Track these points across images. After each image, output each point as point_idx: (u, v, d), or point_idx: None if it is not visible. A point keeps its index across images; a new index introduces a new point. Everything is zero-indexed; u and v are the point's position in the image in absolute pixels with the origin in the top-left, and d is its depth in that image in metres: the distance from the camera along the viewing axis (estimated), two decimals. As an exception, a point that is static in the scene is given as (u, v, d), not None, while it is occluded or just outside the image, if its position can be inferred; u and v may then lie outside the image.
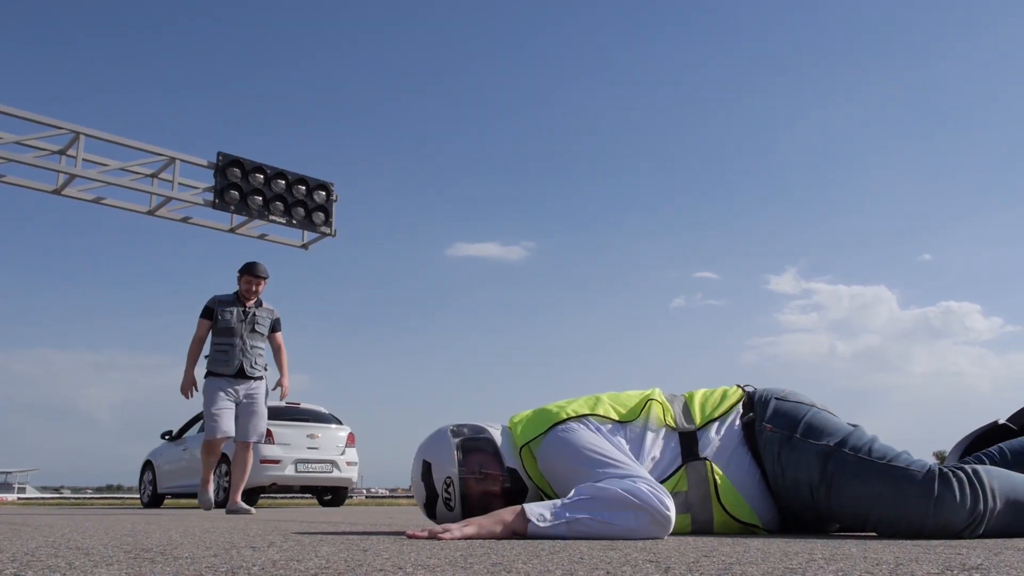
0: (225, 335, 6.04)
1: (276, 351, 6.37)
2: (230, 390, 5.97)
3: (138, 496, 13.52)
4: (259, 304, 6.22)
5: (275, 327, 6.32)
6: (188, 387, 6.06)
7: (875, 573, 1.12)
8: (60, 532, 2.54)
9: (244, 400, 6.02)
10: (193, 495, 11.30)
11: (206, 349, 6.13)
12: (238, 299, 6.16)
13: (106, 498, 42.90)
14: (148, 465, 12.07)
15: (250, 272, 6.17)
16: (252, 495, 10.38)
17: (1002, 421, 2.31)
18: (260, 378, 6.15)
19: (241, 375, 6.01)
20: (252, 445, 6.11)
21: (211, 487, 6.18)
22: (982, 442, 2.29)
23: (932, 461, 1.94)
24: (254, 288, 6.14)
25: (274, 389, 6.30)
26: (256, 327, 6.13)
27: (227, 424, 5.92)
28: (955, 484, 1.83)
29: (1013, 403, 2.34)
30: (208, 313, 6.14)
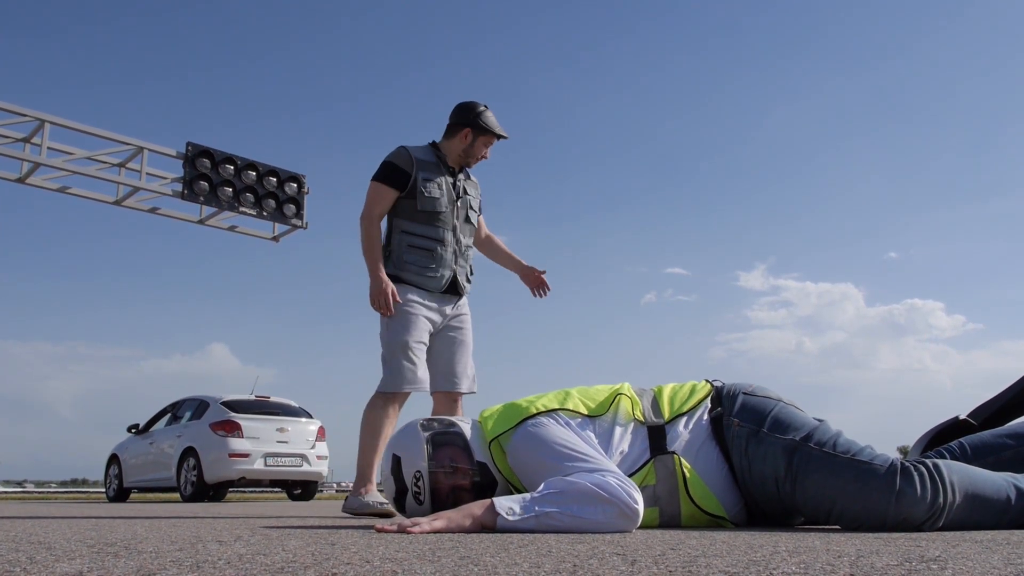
0: (429, 223, 3.60)
1: (487, 241, 4.04)
2: (431, 315, 3.62)
3: (103, 490, 13.35)
4: (467, 174, 3.83)
5: (481, 208, 3.95)
6: (385, 293, 3.49)
7: (836, 565, 1.14)
8: (22, 526, 2.50)
9: (448, 325, 3.71)
10: (160, 489, 11.20)
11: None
12: (443, 162, 3.70)
13: (71, 492, 42.26)
14: (114, 459, 11.91)
15: (500, 132, 3.76)
16: (220, 489, 10.30)
17: (963, 417, 2.36)
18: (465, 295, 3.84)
19: (451, 290, 3.68)
20: (460, 399, 3.75)
21: (376, 475, 3.55)
22: (943, 437, 2.34)
23: (895, 456, 1.98)
24: (483, 154, 3.76)
25: (536, 293, 4.01)
26: (470, 214, 3.76)
27: (424, 370, 3.59)
28: (916, 478, 1.86)
29: (974, 399, 2.40)
30: (399, 179, 3.58)
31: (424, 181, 3.60)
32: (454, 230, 3.66)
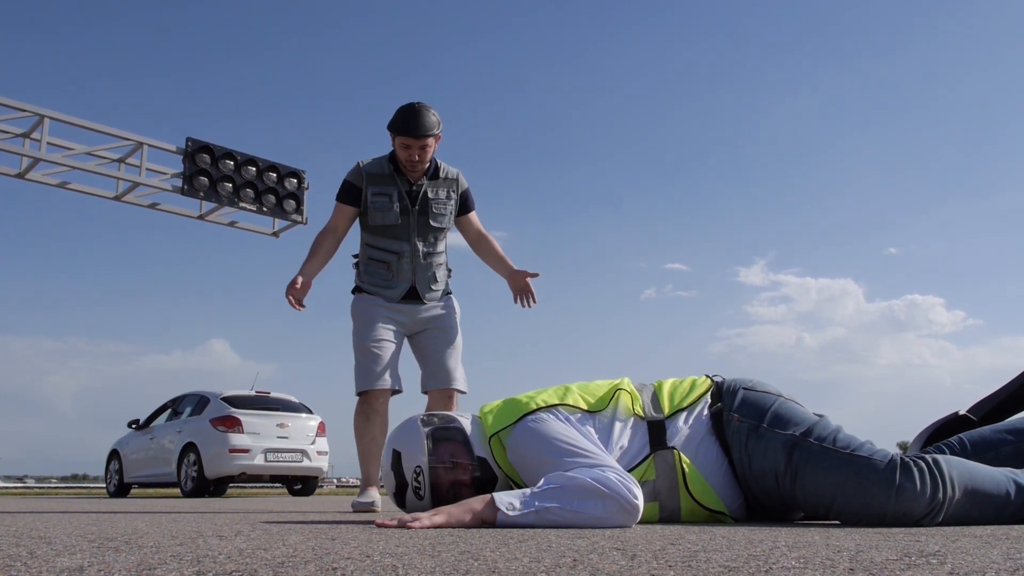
0: (382, 235, 3.65)
1: (478, 240, 3.90)
2: (396, 316, 3.66)
3: (104, 485, 13.36)
4: (433, 174, 3.71)
5: (466, 204, 3.83)
6: (292, 286, 3.58)
7: (836, 560, 1.14)
8: (23, 521, 2.51)
9: (428, 326, 3.70)
10: (160, 485, 11.22)
11: (355, 251, 3.81)
12: (398, 170, 3.66)
13: (71, 488, 42.32)
14: (114, 454, 11.94)
15: (405, 131, 3.54)
16: (221, 485, 10.32)
17: (962, 412, 2.36)
18: (448, 293, 3.81)
19: (412, 298, 3.68)
20: (456, 396, 3.71)
21: (375, 480, 3.63)
22: (943, 432, 2.34)
23: (895, 451, 1.98)
24: (416, 156, 3.57)
25: (518, 300, 3.79)
26: (433, 219, 3.67)
27: (390, 366, 3.60)
28: (916, 473, 1.87)
29: (973, 394, 2.40)
30: (352, 195, 3.67)
31: (373, 196, 3.61)
32: (409, 239, 3.64)
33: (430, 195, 3.67)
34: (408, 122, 3.54)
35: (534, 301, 3.78)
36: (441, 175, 3.73)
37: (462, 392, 3.71)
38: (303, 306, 3.62)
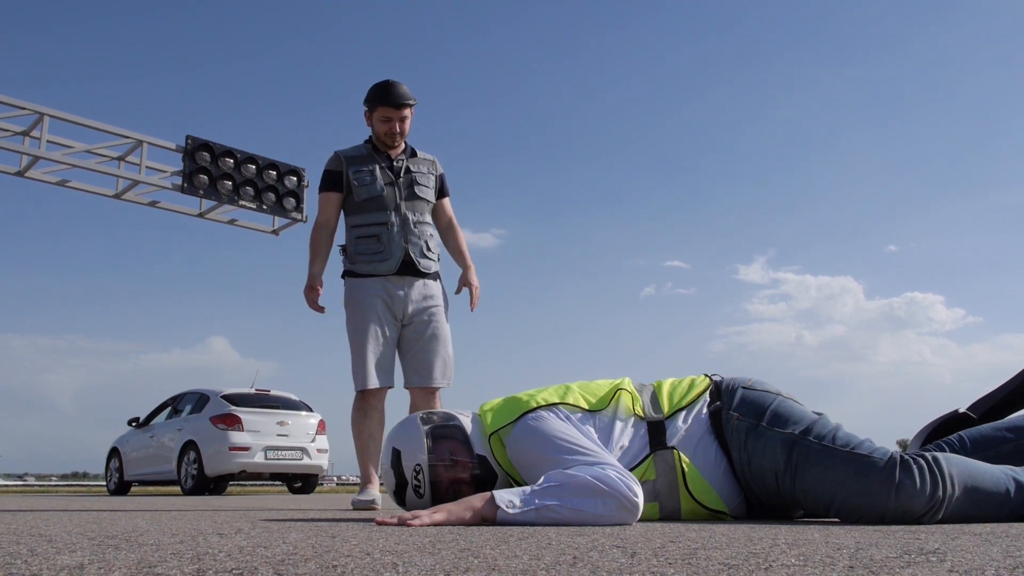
0: (369, 211, 3.69)
1: (447, 228, 3.95)
2: (391, 302, 3.65)
3: (104, 483, 13.37)
4: (411, 152, 3.85)
5: (442, 188, 3.92)
6: (309, 289, 3.74)
7: (836, 558, 1.14)
8: (23, 519, 2.51)
9: (418, 318, 3.68)
10: (160, 483, 11.23)
11: (339, 239, 3.84)
12: (376, 150, 3.79)
13: (71, 485, 42.34)
14: (114, 452, 11.94)
15: (386, 100, 3.70)
16: (221, 483, 10.32)
17: (962, 410, 2.36)
18: (436, 274, 3.82)
19: (409, 270, 3.68)
20: (439, 393, 3.74)
21: (374, 477, 3.64)
22: (943, 430, 2.34)
23: (895, 449, 1.98)
24: (397, 128, 3.72)
25: (459, 291, 3.93)
26: (417, 189, 3.75)
27: (388, 363, 3.65)
28: (915, 471, 1.87)
29: (973, 392, 2.40)
30: (334, 181, 3.76)
31: (355, 174, 3.72)
32: (397, 209, 3.70)
33: (412, 168, 3.80)
34: (387, 92, 3.72)
35: (472, 307, 3.92)
36: (420, 154, 3.88)
37: (445, 386, 3.74)
38: (323, 308, 3.78)
